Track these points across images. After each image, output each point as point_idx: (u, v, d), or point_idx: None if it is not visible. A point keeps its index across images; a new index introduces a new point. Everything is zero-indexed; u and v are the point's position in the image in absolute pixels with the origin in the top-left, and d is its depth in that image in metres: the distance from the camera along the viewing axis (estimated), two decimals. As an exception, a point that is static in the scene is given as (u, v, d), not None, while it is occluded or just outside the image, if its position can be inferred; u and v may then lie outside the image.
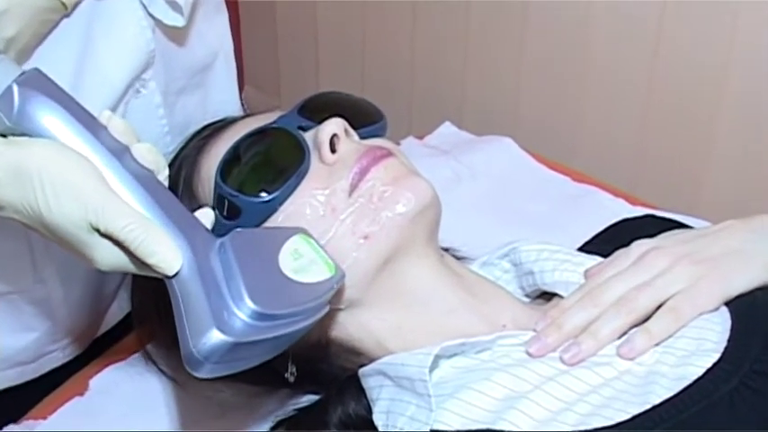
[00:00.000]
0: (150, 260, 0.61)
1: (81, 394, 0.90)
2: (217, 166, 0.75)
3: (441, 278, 0.75)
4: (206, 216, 0.68)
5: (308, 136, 0.76)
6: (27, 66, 0.74)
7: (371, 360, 0.74)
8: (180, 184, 0.79)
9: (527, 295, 0.83)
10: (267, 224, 0.73)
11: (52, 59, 0.77)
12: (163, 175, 0.66)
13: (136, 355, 0.93)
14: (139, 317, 0.88)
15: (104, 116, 0.66)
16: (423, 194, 0.72)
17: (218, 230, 0.73)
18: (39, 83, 0.64)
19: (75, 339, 0.95)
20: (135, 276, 0.83)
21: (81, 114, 0.64)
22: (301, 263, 0.66)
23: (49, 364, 0.94)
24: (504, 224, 1.09)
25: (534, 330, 0.72)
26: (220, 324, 0.59)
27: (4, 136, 0.63)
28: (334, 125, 0.74)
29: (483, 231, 1.02)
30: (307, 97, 0.81)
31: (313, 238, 0.70)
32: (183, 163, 0.81)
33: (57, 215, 0.60)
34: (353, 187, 0.72)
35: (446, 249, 0.83)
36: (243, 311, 0.60)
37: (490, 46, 1.55)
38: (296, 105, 0.80)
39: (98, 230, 0.61)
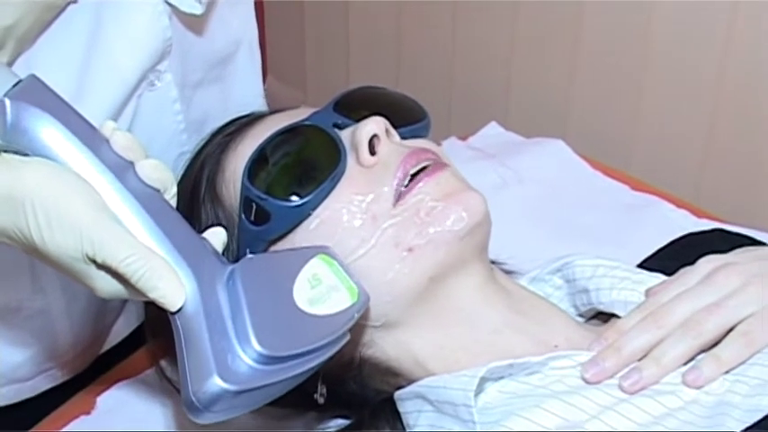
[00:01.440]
0: (151, 295, 0.62)
1: (88, 413, 0.91)
2: (244, 165, 0.76)
3: (489, 296, 0.75)
4: (217, 237, 0.69)
5: (344, 135, 0.76)
6: (28, 58, 0.76)
7: (409, 382, 0.75)
8: (202, 183, 0.80)
9: (581, 315, 0.84)
10: (299, 230, 0.74)
11: (57, 49, 0.78)
12: (170, 194, 0.67)
13: (148, 371, 0.95)
14: (153, 329, 0.89)
15: (107, 128, 0.66)
16: (475, 211, 0.73)
17: (244, 236, 0.75)
18: (34, 93, 0.64)
19: (77, 356, 0.96)
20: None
21: (80, 128, 0.65)
22: (320, 290, 0.67)
23: (46, 383, 0.95)
24: (555, 236, 1.09)
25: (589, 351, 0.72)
26: (222, 370, 0.60)
27: None
28: (375, 125, 0.74)
29: (532, 243, 1.03)
30: (343, 92, 0.81)
31: (336, 259, 0.70)
32: (207, 161, 0.82)
33: (50, 245, 0.61)
34: (399, 198, 0.73)
35: (492, 262, 0.83)
36: (248, 355, 0.61)
37: (540, 37, 1.55)
38: (331, 101, 0.80)
39: (95, 261, 0.62)
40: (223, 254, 0.69)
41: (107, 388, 0.94)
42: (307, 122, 0.78)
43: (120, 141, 0.66)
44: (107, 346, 1.01)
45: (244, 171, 0.75)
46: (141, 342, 0.97)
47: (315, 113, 0.80)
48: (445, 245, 0.72)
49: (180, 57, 0.88)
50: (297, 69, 2.04)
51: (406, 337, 0.75)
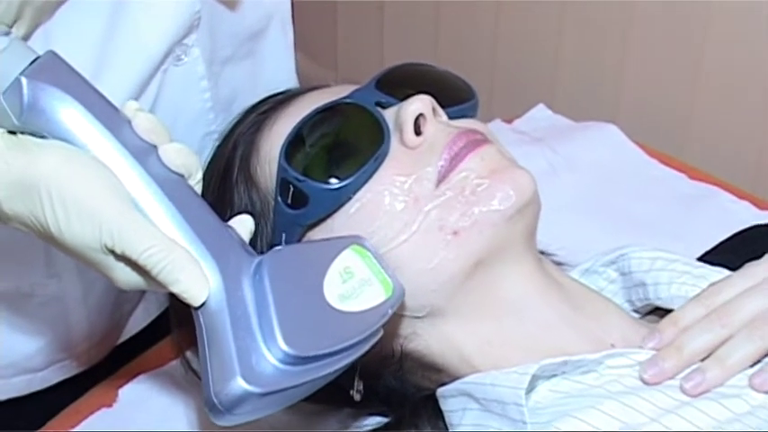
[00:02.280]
0: (173, 288, 0.62)
1: (109, 405, 0.92)
2: (280, 145, 0.76)
3: (539, 287, 0.75)
4: (243, 225, 0.68)
5: (387, 114, 0.76)
6: (46, 30, 0.75)
7: (453, 378, 0.75)
8: (235, 164, 0.80)
9: (636, 311, 0.83)
10: (338, 215, 0.74)
11: (78, 21, 0.78)
12: (195, 180, 0.67)
13: (173, 362, 0.95)
14: (179, 317, 0.89)
15: (130, 108, 0.67)
16: (524, 189, 0.72)
17: (280, 220, 0.75)
18: (53, 71, 0.64)
19: (92, 347, 0.96)
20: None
21: (101, 108, 0.65)
22: (352, 285, 0.67)
23: (59, 374, 0.95)
24: (608, 227, 1.09)
25: (641, 347, 0.72)
26: (246, 371, 0.60)
27: (14, 133, 0.64)
28: (420, 103, 0.74)
29: (583, 234, 1.03)
30: (386, 69, 0.81)
31: (370, 251, 0.70)
32: (240, 141, 0.82)
33: (67, 235, 0.62)
34: (442, 177, 0.72)
35: (541, 253, 0.83)
36: (273, 354, 0.61)
37: (589, 12, 1.54)
38: (373, 78, 0.80)
39: (114, 252, 0.62)
40: (253, 241, 0.69)
41: (129, 380, 0.94)
42: (348, 100, 0.78)
43: (143, 123, 0.66)
44: (125, 336, 1.01)
45: (281, 151, 0.75)
46: (163, 332, 0.98)
47: (356, 91, 0.79)
48: (492, 226, 0.71)
49: (209, 31, 0.88)
50: (328, 47, 2.04)
51: (450, 329, 0.74)
